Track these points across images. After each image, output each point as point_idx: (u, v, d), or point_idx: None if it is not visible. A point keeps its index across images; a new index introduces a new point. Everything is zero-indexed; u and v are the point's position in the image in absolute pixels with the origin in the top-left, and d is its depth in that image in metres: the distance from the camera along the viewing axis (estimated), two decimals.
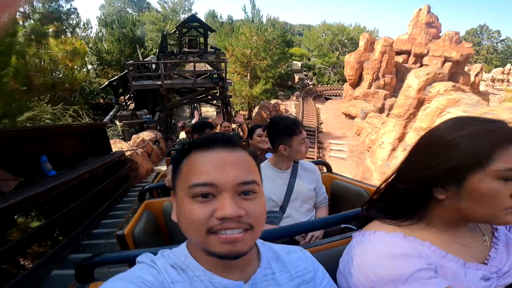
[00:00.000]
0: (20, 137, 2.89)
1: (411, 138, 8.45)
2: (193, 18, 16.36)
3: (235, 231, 0.50)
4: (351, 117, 17.11)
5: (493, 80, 32.02)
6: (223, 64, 12.77)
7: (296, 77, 28.93)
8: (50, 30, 10.84)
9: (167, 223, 1.61)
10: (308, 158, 7.84)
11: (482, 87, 25.09)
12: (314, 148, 12.75)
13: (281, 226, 1.22)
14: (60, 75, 12.99)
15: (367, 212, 0.76)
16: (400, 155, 8.27)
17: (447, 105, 6.88)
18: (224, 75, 12.55)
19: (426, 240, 0.64)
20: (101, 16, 23.99)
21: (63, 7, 11.12)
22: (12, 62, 6.32)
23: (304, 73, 30.96)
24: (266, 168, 1.59)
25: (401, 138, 9.15)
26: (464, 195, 0.60)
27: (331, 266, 0.72)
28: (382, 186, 0.74)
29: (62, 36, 12.02)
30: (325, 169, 2.04)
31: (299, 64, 31.10)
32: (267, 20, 29.21)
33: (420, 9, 19.19)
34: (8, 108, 5.79)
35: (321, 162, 2.14)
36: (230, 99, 14.49)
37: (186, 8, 38.28)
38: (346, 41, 30.60)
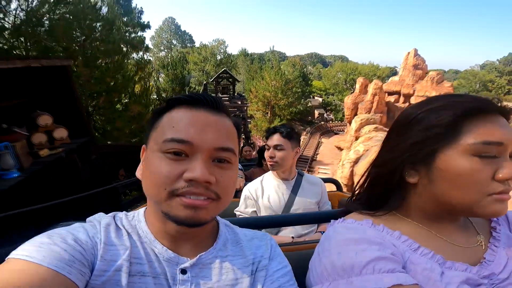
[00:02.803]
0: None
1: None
2: (225, 71, 22.80)
3: (200, 197, 0.48)
4: (340, 149, 21.13)
5: None
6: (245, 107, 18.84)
7: (316, 113, 33.84)
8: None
9: None
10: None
11: None
12: (304, 171, 18.79)
13: (253, 216, 1.39)
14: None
15: (346, 206, 0.71)
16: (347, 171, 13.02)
17: (364, 140, 11.57)
18: (245, 115, 18.50)
19: (397, 230, 0.58)
20: (153, 52, 31.36)
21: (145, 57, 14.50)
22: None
23: (323, 109, 35.82)
24: (269, 177, 1.66)
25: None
26: (436, 176, 0.54)
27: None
28: (363, 177, 0.68)
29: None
30: (335, 188, 2.17)
31: (320, 100, 36.38)
32: (287, 61, 35.37)
33: (408, 53, 23.73)
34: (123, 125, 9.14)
35: (330, 180, 2.26)
36: (250, 133, 20.28)
37: (222, 51, 46.24)
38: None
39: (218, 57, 41.24)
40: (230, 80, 22.80)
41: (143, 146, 0.57)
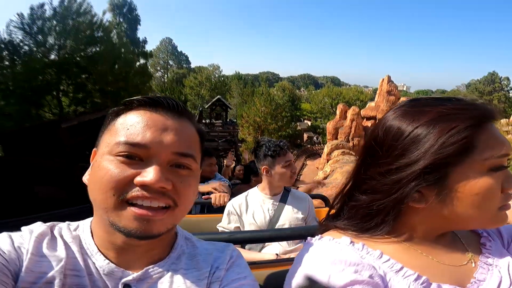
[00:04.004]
0: None
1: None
2: (219, 99, 25.63)
3: (154, 203, 0.45)
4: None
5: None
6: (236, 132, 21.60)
7: (305, 136, 36.43)
8: None
9: None
10: None
11: None
12: None
13: (232, 231, 1.43)
14: None
15: (324, 222, 0.65)
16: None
17: (332, 163, 14.13)
18: (236, 139, 21.19)
19: (378, 249, 0.53)
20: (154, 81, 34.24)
21: None
22: None
23: (311, 132, 38.47)
24: (254, 192, 1.65)
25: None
26: (449, 198, 0.49)
27: None
28: (338, 199, 0.64)
29: None
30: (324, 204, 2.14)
31: (309, 123, 39.22)
32: (277, 86, 38.44)
33: (383, 79, 26.71)
34: None
35: (319, 196, 2.20)
36: (241, 155, 22.92)
37: (217, 76, 49.21)
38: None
39: (213, 81, 44.36)
40: (223, 107, 25.58)
41: (94, 149, 0.53)
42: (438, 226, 0.55)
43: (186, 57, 64.03)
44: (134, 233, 0.45)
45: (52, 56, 10.53)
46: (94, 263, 0.49)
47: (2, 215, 4.64)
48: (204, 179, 2.52)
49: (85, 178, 0.53)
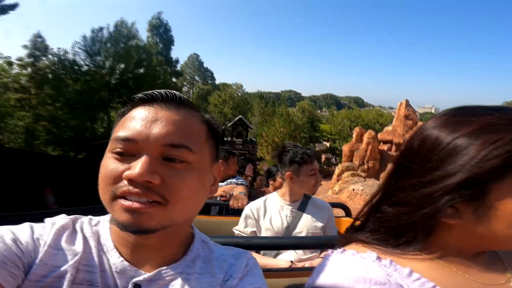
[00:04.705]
0: None
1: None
2: (241, 119, 27.59)
3: (142, 199, 0.45)
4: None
5: None
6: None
7: (323, 157, 36.81)
8: None
9: None
10: None
11: None
12: None
13: (249, 237, 1.44)
14: None
15: (347, 234, 0.62)
16: None
17: (341, 183, 15.22)
18: (255, 157, 22.85)
19: (408, 266, 0.49)
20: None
21: None
22: None
23: (330, 153, 38.98)
24: (273, 198, 1.65)
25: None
26: (488, 215, 0.46)
27: None
28: (365, 209, 0.61)
29: None
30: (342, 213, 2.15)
31: (327, 144, 39.81)
32: (298, 106, 39.80)
33: (401, 103, 27.35)
34: None
35: (339, 205, 2.25)
36: (258, 174, 24.59)
37: (240, 94, 51.49)
38: (361, 126, 39.04)
39: (236, 99, 46.47)
40: (244, 126, 27.47)
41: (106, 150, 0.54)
42: (473, 245, 0.50)
43: (211, 73, 66.67)
44: (127, 226, 0.45)
45: (107, 77, 12.77)
46: (108, 259, 0.50)
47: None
48: (227, 178, 2.73)
49: None
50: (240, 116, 27.83)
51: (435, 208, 0.47)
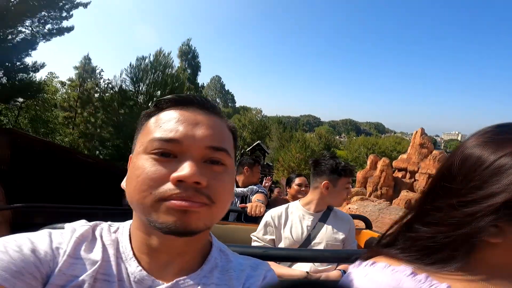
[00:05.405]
0: None
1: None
2: (259, 144, 29.34)
3: (192, 200, 0.45)
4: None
5: None
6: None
7: None
8: None
9: None
10: None
11: None
12: None
13: (268, 247, 1.44)
14: None
15: (376, 246, 0.61)
16: None
17: (350, 205, 16.35)
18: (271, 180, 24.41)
19: (445, 282, 0.48)
20: None
21: None
22: None
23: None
24: (295, 206, 1.65)
25: None
26: None
27: None
28: (394, 229, 0.60)
29: None
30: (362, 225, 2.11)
31: None
32: (316, 131, 41.03)
33: (416, 132, 27.75)
34: None
35: (360, 217, 2.20)
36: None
37: (259, 118, 53.36)
38: (377, 153, 39.73)
39: (255, 124, 48.21)
40: (262, 151, 29.09)
41: (130, 156, 0.54)
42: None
43: (232, 96, 68.70)
44: (172, 227, 0.44)
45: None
46: (127, 268, 0.49)
47: None
48: (250, 184, 2.86)
49: (123, 184, 0.53)
50: (258, 142, 29.53)
51: (477, 227, 0.46)
